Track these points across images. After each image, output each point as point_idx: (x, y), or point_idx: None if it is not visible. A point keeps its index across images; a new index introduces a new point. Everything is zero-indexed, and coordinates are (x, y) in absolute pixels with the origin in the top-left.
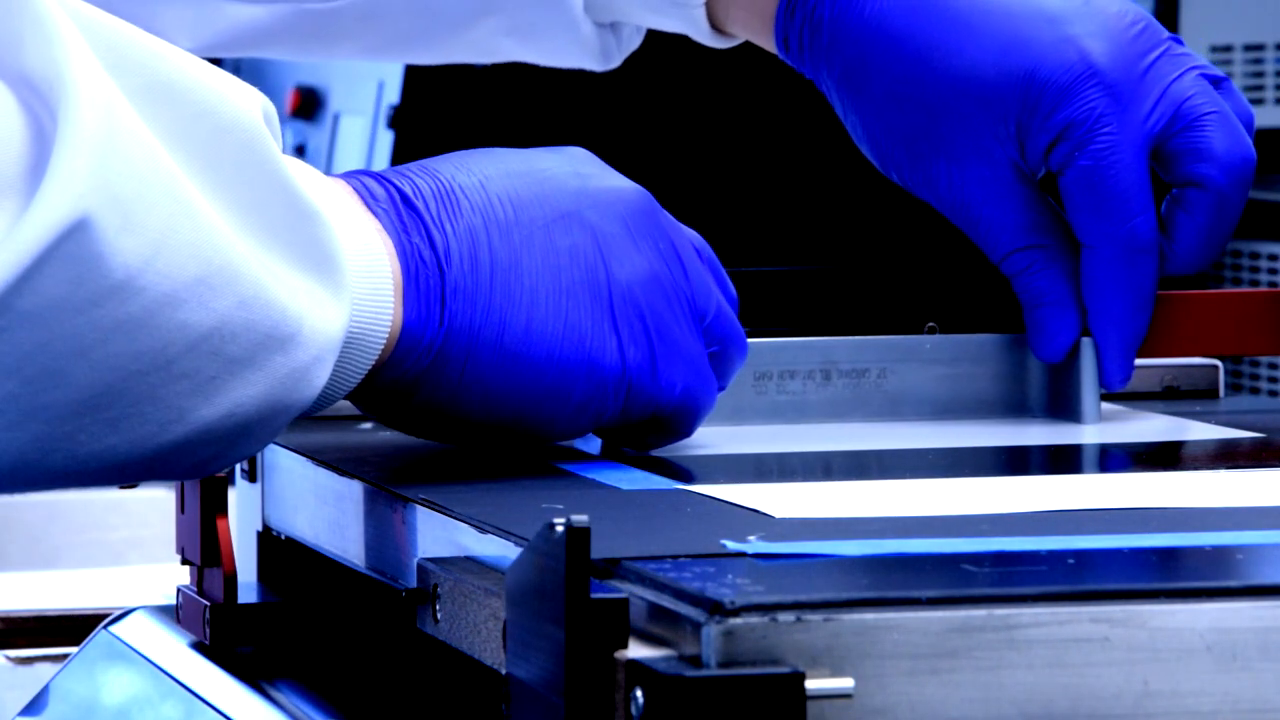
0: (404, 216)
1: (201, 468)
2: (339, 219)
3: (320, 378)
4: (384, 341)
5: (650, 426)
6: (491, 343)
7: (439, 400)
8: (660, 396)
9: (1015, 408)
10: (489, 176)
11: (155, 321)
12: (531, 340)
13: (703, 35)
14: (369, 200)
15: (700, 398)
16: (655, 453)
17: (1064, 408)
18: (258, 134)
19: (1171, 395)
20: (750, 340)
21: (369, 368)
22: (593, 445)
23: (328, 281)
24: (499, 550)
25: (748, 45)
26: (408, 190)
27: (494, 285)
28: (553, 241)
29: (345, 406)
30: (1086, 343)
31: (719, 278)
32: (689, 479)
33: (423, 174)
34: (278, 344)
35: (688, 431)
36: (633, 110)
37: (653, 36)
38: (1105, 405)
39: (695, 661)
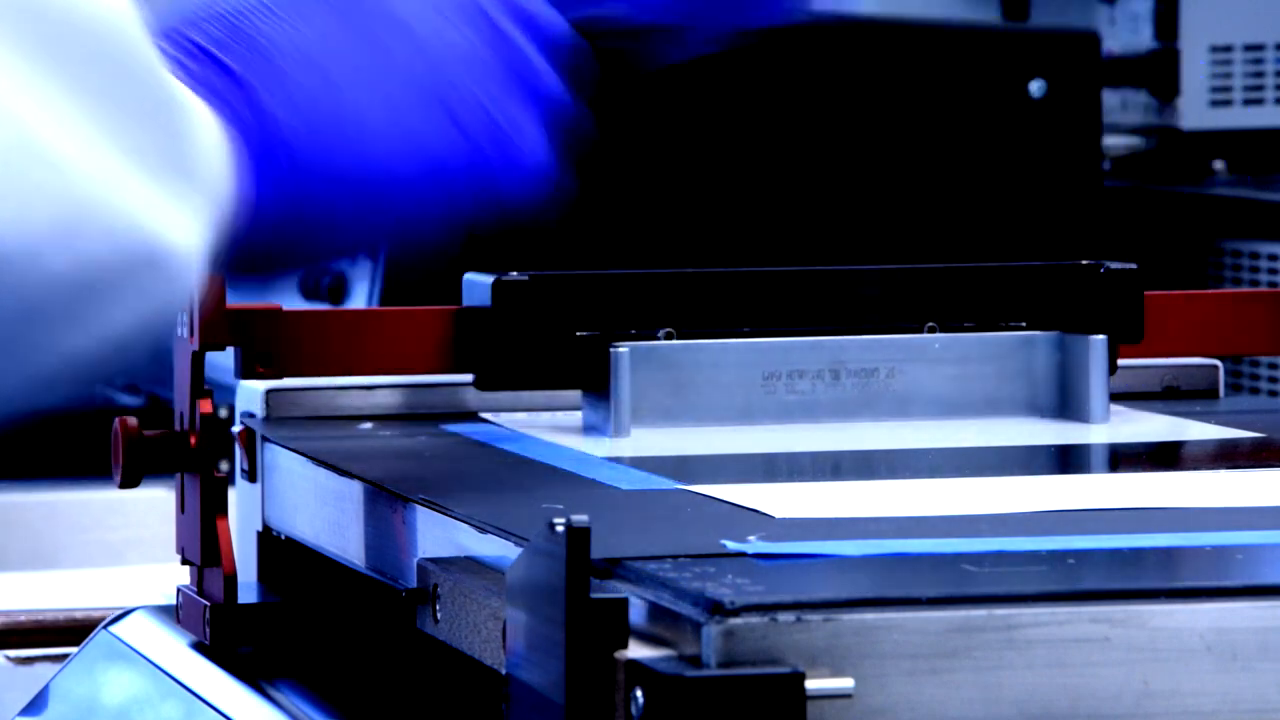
0: (230, 92)
1: (85, 389)
2: (199, 112)
3: (190, 282)
4: (232, 223)
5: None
6: (332, 186)
7: (291, 252)
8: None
9: (1023, 407)
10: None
11: (20, 277)
12: (376, 170)
13: None
14: (204, 86)
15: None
16: (660, 454)
17: (1072, 408)
18: (121, 29)
19: (1171, 395)
20: (759, 340)
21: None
22: (592, 446)
23: (190, 185)
24: (499, 550)
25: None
26: (228, 62)
27: (327, 128)
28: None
29: (345, 406)
30: (1093, 342)
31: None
32: (689, 479)
33: (238, 39)
34: (146, 264)
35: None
36: (633, 112)
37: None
38: None
39: (695, 661)
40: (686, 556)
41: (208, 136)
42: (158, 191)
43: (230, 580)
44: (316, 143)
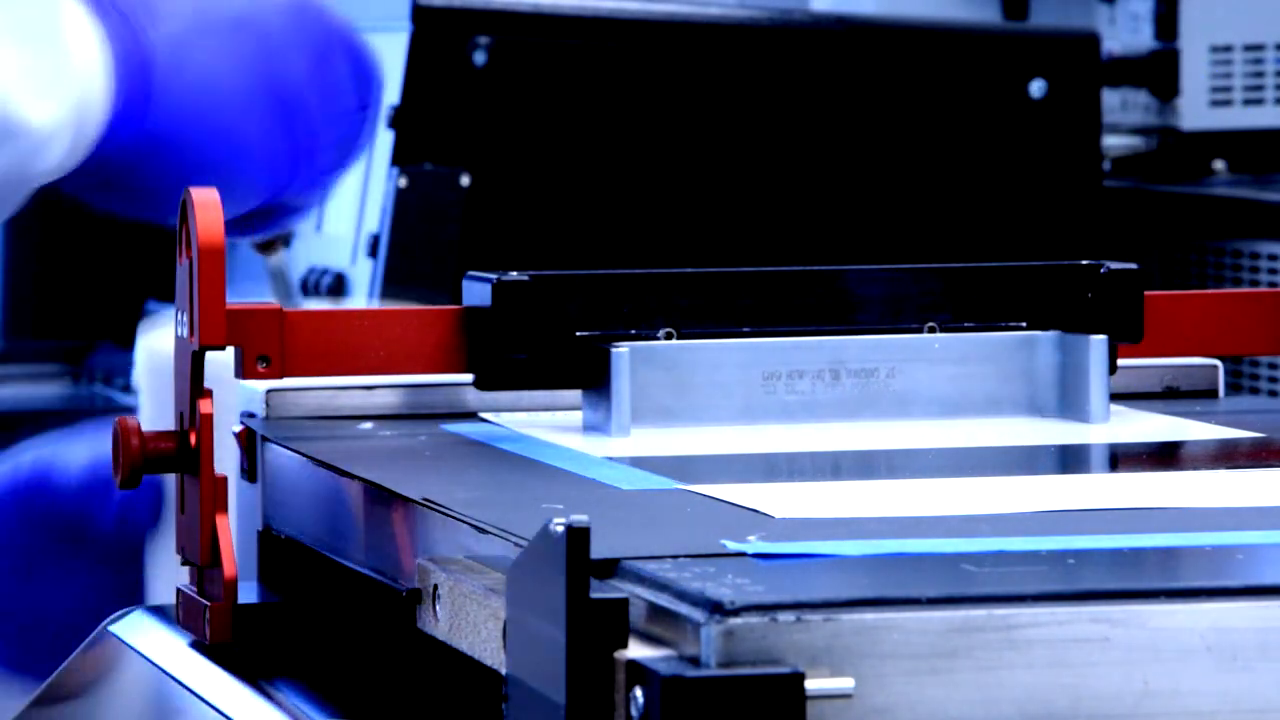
0: (109, 11)
1: None
2: (79, 13)
3: (53, 156)
4: (98, 128)
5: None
6: (178, 150)
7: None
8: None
9: (1023, 407)
10: None
11: None
12: (213, 143)
13: None
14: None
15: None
16: (660, 454)
17: (1072, 408)
18: None
19: (1171, 395)
20: (759, 340)
21: (89, 144)
22: (592, 446)
23: (54, 65)
24: (499, 550)
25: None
26: None
27: (185, 89)
28: (231, 45)
29: (345, 406)
30: (1093, 342)
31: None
32: (689, 479)
33: None
34: (16, 133)
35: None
36: (634, 112)
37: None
38: None
39: (695, 661)
40: (686, 556)
41: (84, 36)
42: (24, 71)
43: (230, 580)
44: (180, 93)
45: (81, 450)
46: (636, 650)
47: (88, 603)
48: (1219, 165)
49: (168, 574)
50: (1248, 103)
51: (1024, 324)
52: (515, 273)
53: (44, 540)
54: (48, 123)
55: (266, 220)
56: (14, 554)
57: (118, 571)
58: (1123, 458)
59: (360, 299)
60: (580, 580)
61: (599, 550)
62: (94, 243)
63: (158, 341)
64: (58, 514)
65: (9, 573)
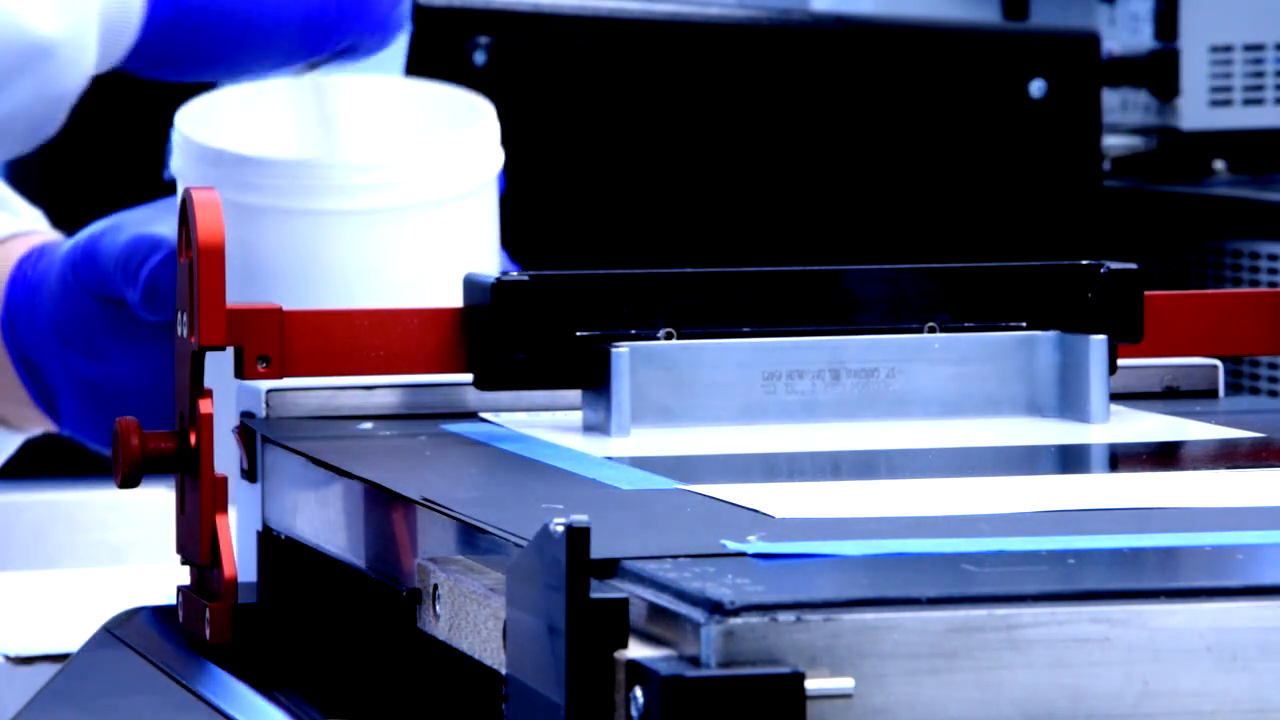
0: None
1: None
2: None
3: (87, 66)
4: (137, 28)
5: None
6: (218, 13)
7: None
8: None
9: (1023, 407)
10: None
11: None
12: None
13: None
14: None
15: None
16: (660, 454)
17: (1072, 408)
18: None
19: (1171, 395)
20: (759, 340)
21: (129, 45)
22: (592, 446)
23: None
24: (499, 550)
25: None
26: None
27: None
28: None
29: (345, 406)
30: (1093, 342)
31: None
32: (689, 479)
33: None
34: (40, 54)
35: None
36: (634, 112)
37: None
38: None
39: (695, 661)
40: (686, 556)
41: None
42: None
43: (230, 580)
44: None
45: (143, 217)
46: (636, 650)
47: (145, 377)
48: (1219, 165)
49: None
50: (1248, 103)
51: (1024, 324)
52: (515, 272)
53: (98, 310)
54: (72, 34)
55: (325, 63)
56: (77, 324)
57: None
58: (1123, 458)
59: None
60: (580, 580)
61: (599, 550)
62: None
63: (195, 126)
64: (102, 284)
65: (78, 343)
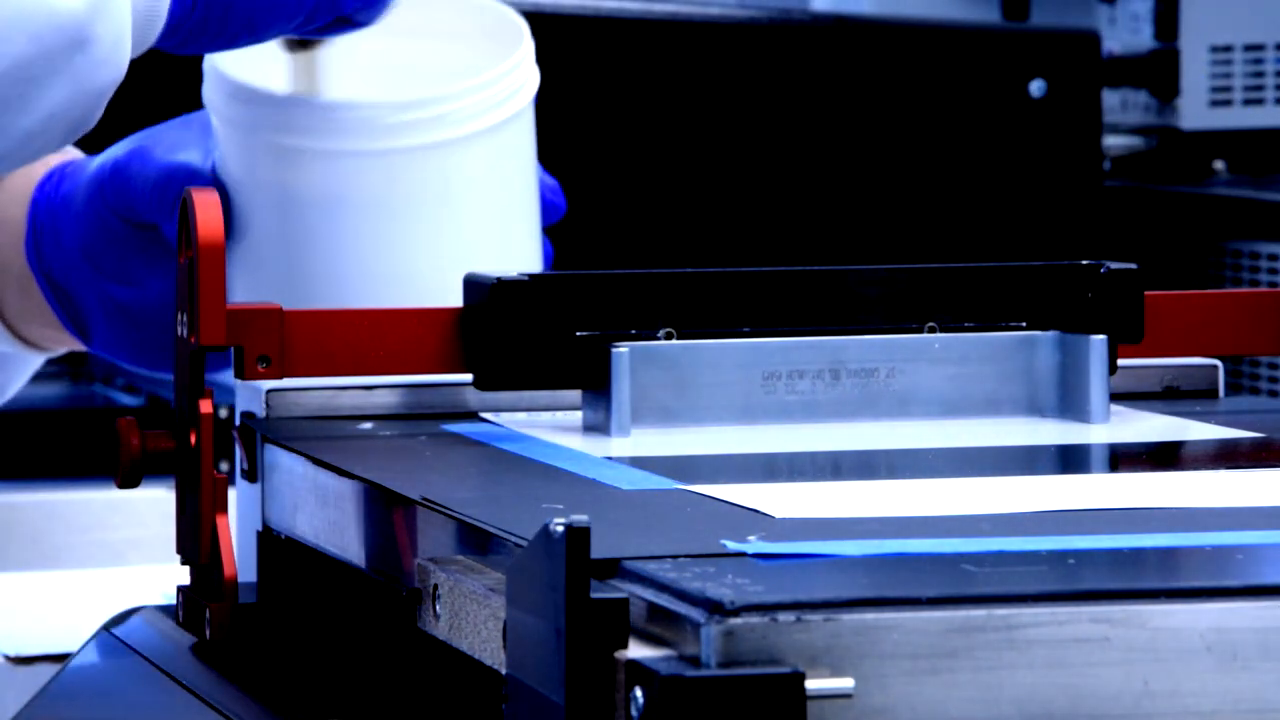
0: None
1: (36, 155)
2: None
3: (121, 60)
4: (165, 12)
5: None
6: None
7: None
8: None
9: (1023, 407)
10: None
11: None
12: None
13: (6, 343)
14: None
15: None
16: (660, 454)
17: (1072, 408)
18: None
19: (1171, 395)
20: (759, 340)
21: (158, 33)
22: (592, 446)
23: None
24: (499, 550)
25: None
26: None
27: None
28: None
29: (345, 406)
30: (1093, 342)
31: None
32: (689, 479)
33: None
34: (75, 47)
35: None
36: (634, 112)
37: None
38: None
39: (695, 661)
40: (686, 556)
41: None
42: None
43: (230, 580)
44: None
45: (172, 140)
46: (636, 650)
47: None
48: (1219, 165)
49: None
50: (1248, 103)
51: (1024, 324)
52: (515, 272)
53: (128, 235)
54: (119, 20)
55: (324, 31)
56: (107, 248)
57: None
58: (1123, 458)
59: None
60: (580, 580)
61: (599, 550)
62: None
63: (227, 59)
64: (132, 209)
65: (109, 267)
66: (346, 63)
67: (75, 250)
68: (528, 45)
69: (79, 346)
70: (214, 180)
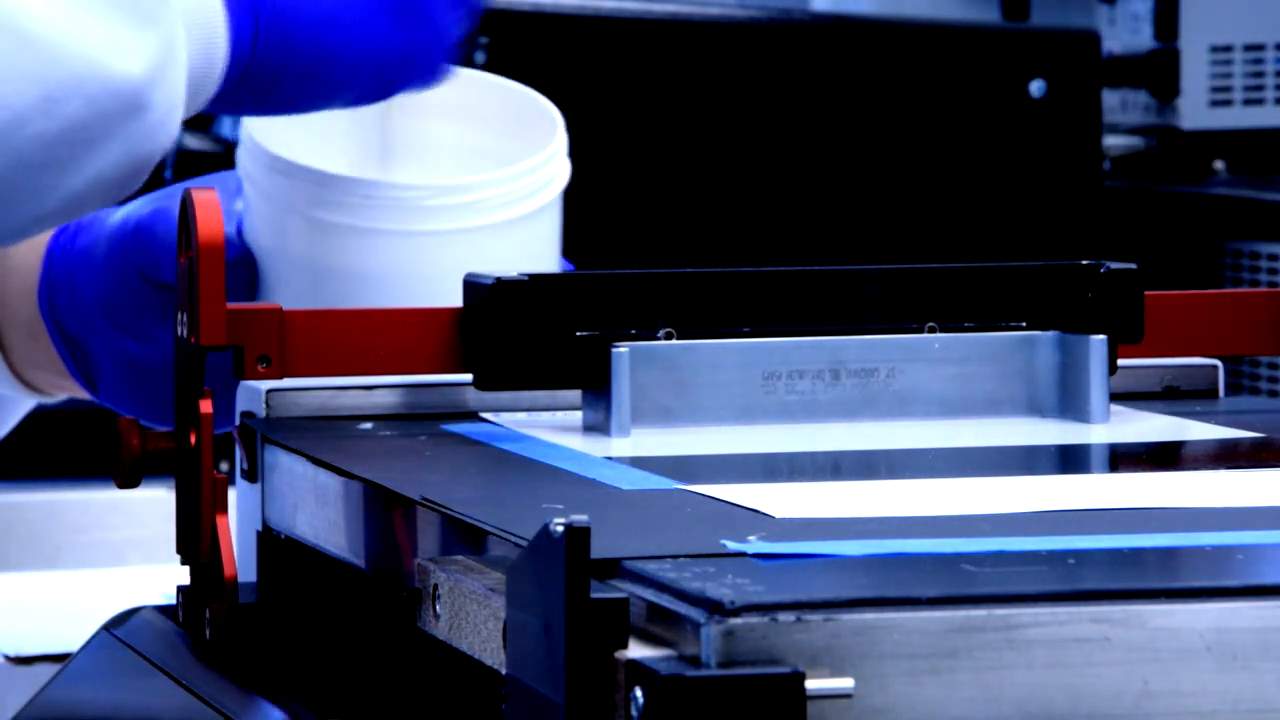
0: None
1: (76, 216)
2: None
3: (173, 127)
4: (219, 80)
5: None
6: (297, 54)
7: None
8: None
9: (1023, 407)
10: None
11: (9, 142)
12: (332, 36)
13: (9, 387)
14: None
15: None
16: (660, 454)
17: (1072, 408)
18: None
19: (1171, 395)
20: (759, 340)
21: (209, 98)
22: (592, 446)
23: (166, 36)
24: (499, 550)
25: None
26: None
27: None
28: None
29: (345, 406)
30: (1093, 342)
31: None
32: (689, 479)
33: None
34: (130, 113)
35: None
36: (634, 112)
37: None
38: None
39: (695, 661)
40: (686, 556)
41: None
42: (140, 45)
43: (230, 580)
44: (283, 17)
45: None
46: (636, 650)
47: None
48: (1219, 165)
49: None
50: (1248, 103)
51: (1024, 324)
52: (514, 272)
53: (150, 294)
54: (174, 88)
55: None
56: (127, 306)
57: None
58: (1123, 458)
59: None
60: (580, 580)
61: (599, 550)
62: None
63: (264, 131)
64: (157, 269)
65: (128, 325)
66: (379, 139)
67: (92, 304)
68: (561, 137)
69: (82, 394)
70: (240, 243)
